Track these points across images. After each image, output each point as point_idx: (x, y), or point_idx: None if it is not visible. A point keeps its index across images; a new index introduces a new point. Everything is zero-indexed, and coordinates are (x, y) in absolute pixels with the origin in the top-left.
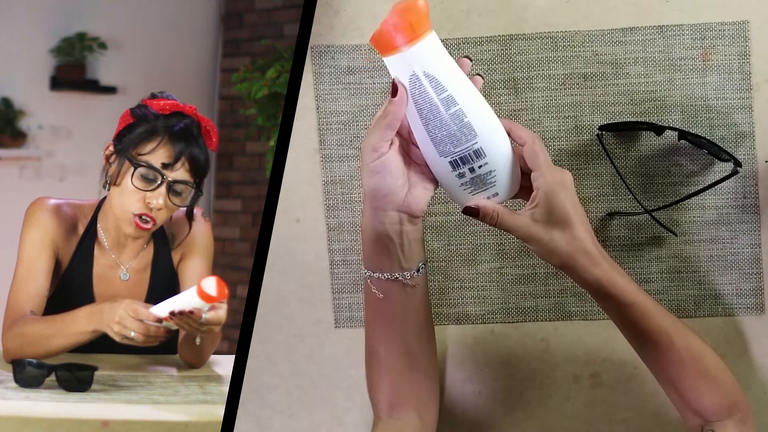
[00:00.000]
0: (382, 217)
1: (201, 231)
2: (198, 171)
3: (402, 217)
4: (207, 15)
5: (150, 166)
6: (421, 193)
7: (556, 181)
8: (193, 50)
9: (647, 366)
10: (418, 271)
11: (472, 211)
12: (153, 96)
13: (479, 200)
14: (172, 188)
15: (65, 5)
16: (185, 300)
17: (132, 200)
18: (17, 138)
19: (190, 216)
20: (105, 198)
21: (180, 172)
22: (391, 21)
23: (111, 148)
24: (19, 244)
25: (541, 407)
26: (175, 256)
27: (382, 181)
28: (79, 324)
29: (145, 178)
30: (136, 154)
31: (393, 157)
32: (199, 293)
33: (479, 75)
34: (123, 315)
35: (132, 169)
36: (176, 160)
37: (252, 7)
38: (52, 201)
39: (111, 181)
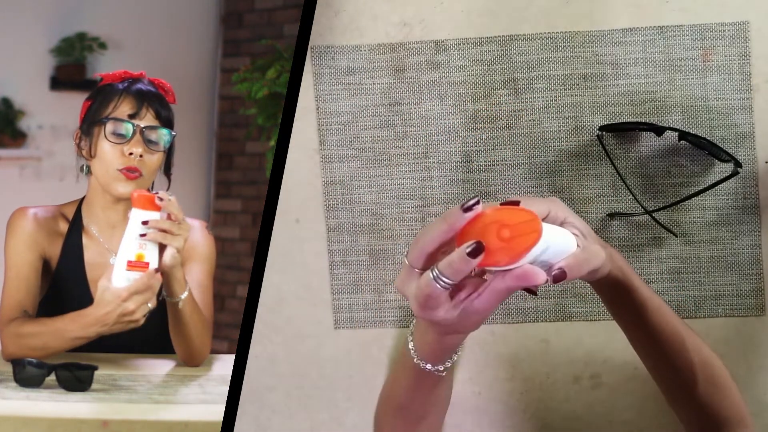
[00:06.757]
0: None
1: (203, 241)
2: (164, 119)
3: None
4: (207, 15)
5: (117, 118)
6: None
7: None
8: (193, 50)
9: (655, 374)
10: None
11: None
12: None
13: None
14: (145, 135)
15: (65, 5)
16: (134, 229)
17: (113, 158)
18: (17, 138)
19: (167, 170)
20: (84, 198)
21: (148, 119)
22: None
23: (79, 134)
24: (5, 251)
25: (541, 408)
26: None
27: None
28: (73, 331)
29: (117, 133)
30: (102, 116)
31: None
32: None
33: None
34: (123, 309)
35: (102, 127)
36: (140, 108)
37: (252, 7)
38: (31, 209)
39: (88, 157)
